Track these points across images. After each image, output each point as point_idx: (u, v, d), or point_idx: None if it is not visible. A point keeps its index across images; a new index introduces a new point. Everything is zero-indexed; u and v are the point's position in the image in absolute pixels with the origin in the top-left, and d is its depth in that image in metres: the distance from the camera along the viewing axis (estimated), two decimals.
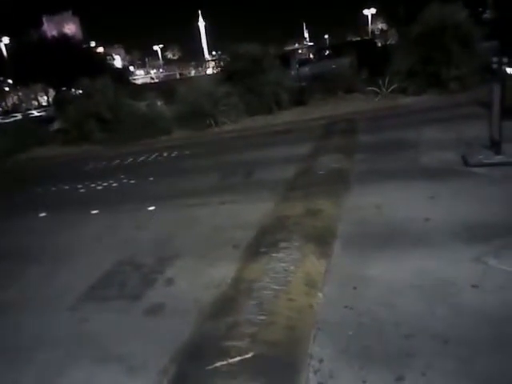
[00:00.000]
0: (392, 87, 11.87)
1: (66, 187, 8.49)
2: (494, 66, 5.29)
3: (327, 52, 20.18)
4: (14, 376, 2.92)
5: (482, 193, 4.58)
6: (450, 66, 10.98)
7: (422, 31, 11.40)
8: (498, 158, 5.31)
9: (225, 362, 2.52)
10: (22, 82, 32.12)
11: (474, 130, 6.52)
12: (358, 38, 40.53)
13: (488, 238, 3.57)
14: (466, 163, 5.46)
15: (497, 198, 4.37)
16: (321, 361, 2.51)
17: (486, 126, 5.62)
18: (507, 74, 5.32)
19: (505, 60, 5.31)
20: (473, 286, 2.97)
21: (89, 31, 71.07)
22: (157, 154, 10.65)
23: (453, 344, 2.47)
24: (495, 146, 5.40)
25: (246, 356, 2.54)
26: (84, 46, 31.51)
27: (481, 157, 5.43)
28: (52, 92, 34.88)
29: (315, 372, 2.44)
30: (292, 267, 3.50)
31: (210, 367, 2.51)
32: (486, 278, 3.04)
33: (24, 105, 49.92)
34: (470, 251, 3.40)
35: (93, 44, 40.38)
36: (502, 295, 2.83)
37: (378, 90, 12.11)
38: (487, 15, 23.65)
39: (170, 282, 3.85)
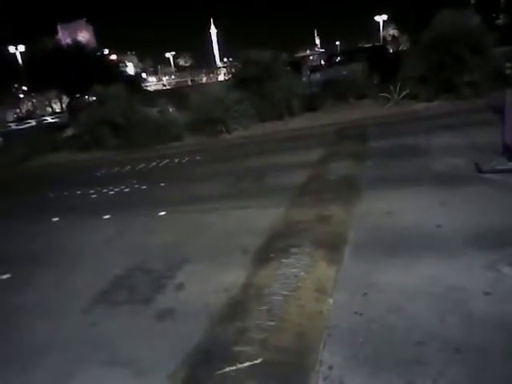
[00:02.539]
0: (403, 93, 11.82)
1: (79, 192, 8.59)
2: (508, 71, 5.26)
3: (338, 58, 20.17)
4: (26, 378, 2.95)
5: (495, 199, 4.53)
6: (462, 71, 10.91)
7: (433, 37, 11.35)
8: (510, 165, 5.24)
9: (234, 367, 2.52)
10: (36, 89, 32.60)
11: (487, 136, 6.46)
12: (370, 45, 40.45)
13: (500, 245, 3.52)
14: (478, 169, 5.41)
15: (509, 205, 4.32)
16: (330, 367, 2.49)
17: (499, 132, 5.57)
18: None
19: None
20: (485, 294, 2.93)
21: (102, 39, 72.32)
22: (168, 159, 10.73)
23: (464, 351, 2.44)
24: (508, 152, 5.34)
25: (256, 361, 2.54)
26: (97, 53, 31.81)
27: (493, 163, 5.37)
28: (66, 99, 35.37)
29: (325, 379, 2.42)
30: (302, 273, 3.50)
31: (219, 372, 2.51)
32: (498, 285, 3.00)
33: (38, 111, 50.72)
34: (482, 258, 3.36)
35: (106, 51, 40.81)
36: None
37: (389, 96, 12.07)
38: (500, 20, 23.49)
39: (180, 286, 3.86)
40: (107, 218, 6.41)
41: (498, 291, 2.93)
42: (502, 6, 24.03)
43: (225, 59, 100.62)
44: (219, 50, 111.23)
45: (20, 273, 4.87)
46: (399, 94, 11.91)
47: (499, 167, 5.27)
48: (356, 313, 2.97)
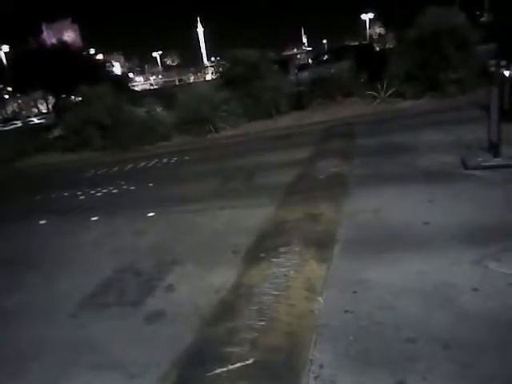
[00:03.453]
0: (390, 91, 11.89)
1: (66, 194, 8.50)
2: (492, 68, 5.31)
3: (325, 57, 20.24)
4: (18, 383, 2.91)
5: (481, 195, 4.58)
6: (447, 69, 11.01)
7: (419, 35, 11.44)
8: (496, 161, 5.31)
9: (225, 369, 2.51)
10: (21, 89, 32.13)
11: (473, 132, 6.53)
12: (356, 43, 40.62)
13: (487, 240, 3.56)
14: (464, 166, 5.46)
15: (495, 201, 4.38)
16: (321, 366, 2.50)
17: (484, 129, 5.63)
18: (505, 76, 5.32)
19: (502, 63, 5.31)
20: (473, 290, 2.96)
21: (88, 38, 71.37)
22: (156, 160, 10.67)
23: (454, 348, 2.46)
24: (494, 148, 5.40)
25: (247, 362, 2.53)
26: (83, 53, 31.43)
27: (480, 159, 5.44)
28: (52, 99, 34.95)
29: (315, 378, 2.42)
30: (292, 272, 3.50)
31: (211, 374, 2.50)
32: (486, 281, 3.03)
33: (24, 112, 50.13)
34: (470, 254, 3.40)
35: (92, 51, 40.36)
36: (503, 298, 2.82)
37: (376, 94, 12.14)
38: (484, 18, 23.79)
39: (170, 288, 3.84)
40: (95, 220, 6.35)
41: (486, 287, 2.96)
42: (486, 5, 24.34)
43: (212, 58, 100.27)
44: (206, 49, 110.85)
45: (8, 276, 4.81)
46: (386, 92, 11.99)
47: (485, 164, 5.33)
48: (346, 311, 2.98)
